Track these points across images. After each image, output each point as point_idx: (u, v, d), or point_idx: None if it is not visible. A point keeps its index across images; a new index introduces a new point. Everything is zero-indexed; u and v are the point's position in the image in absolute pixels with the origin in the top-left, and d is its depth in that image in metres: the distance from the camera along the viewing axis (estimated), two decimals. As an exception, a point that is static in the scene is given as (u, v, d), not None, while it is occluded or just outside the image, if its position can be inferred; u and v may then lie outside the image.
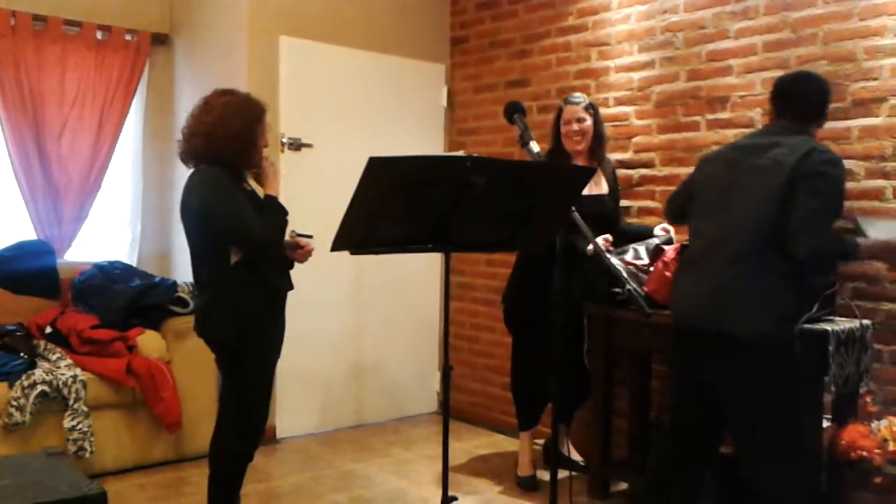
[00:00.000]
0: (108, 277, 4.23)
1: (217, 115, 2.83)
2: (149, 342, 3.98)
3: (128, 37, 4.71)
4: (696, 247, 2.75)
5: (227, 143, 2.81)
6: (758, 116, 3.61)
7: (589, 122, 3.72)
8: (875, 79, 3.25)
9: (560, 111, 3.78)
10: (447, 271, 2.91)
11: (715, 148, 3.41)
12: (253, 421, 2.98)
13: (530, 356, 3.81)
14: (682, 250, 3.10)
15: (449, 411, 2.57)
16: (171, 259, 4.97)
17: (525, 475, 3.86)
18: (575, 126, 3.70)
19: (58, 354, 3.81)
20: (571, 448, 3.91)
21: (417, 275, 4.79)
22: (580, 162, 3.70)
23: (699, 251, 2.72)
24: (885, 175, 3.22)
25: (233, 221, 2.75)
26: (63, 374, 3.64)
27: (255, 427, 3.00)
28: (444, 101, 5.14)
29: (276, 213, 2.88)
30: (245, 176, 2.94)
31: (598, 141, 3.77)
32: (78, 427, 3.62)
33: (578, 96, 3.80)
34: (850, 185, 3.27)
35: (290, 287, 3.03)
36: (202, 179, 2.82)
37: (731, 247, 2.60)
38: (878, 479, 2.92)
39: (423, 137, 4.95)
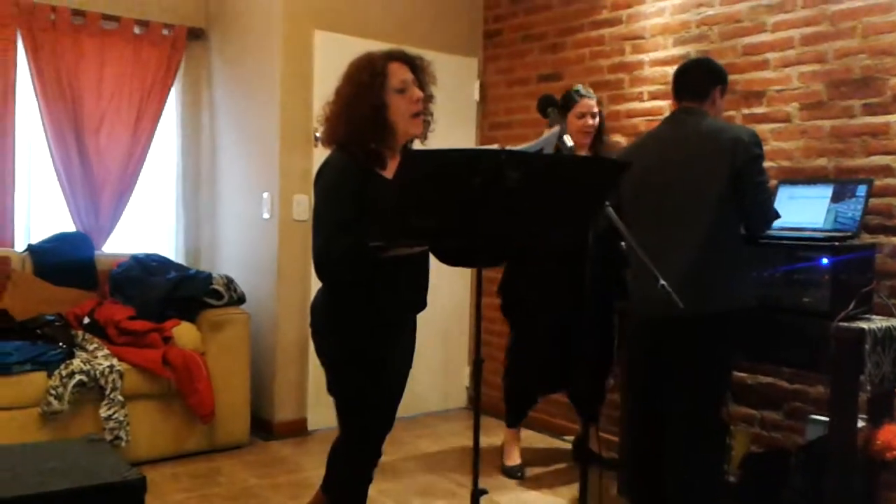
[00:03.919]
0: (145, 269, 4.30)
1: (336, 88, 2.47)
2: (184, 334, 4.04)
3: (164, 31, 4.77)
4: (649, 245, 2.63)
5: (340, 121, 2.42)
6: (794, 111, 3.56)
7: (597, 116, 3.76)
8: (916, 73, 3.19)
9: (570, 103, 3.73)
10: (478, 265, 2.91)
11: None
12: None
13: (524, 352, 3.87)
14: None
15: (480, 405, 2.57)
16: (206, 252, 5.03)
17: (512, 465, 3.93)
18: (590, 120, 3.72)
19: (95, 345, 3.88)
20: (600, 445, 3.91)
21: (447, 268, 4.80)
22: (582, 154, 3.69)
23: (654, 249, 2.64)
24: (925, 171, 3.17)
25: (314, 233, 2.42)
26: (100, 364, 3.70)
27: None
28: (476, 95, 5.13)
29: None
30: (386, 158, 2.45)
31: (600, 135, 3.80)
32: (114, 416, 3.68)
33: (589, 90, 3.82)
34: (888, 181, 3.25)
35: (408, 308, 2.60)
36: (319, 171, 2.48)
37: (688, 238, 2.78)
38: (914, 481, 2.89)
39: (455, 131, 4.94)
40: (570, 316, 3.60)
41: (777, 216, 2.90)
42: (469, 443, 2.41)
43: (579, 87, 3.84)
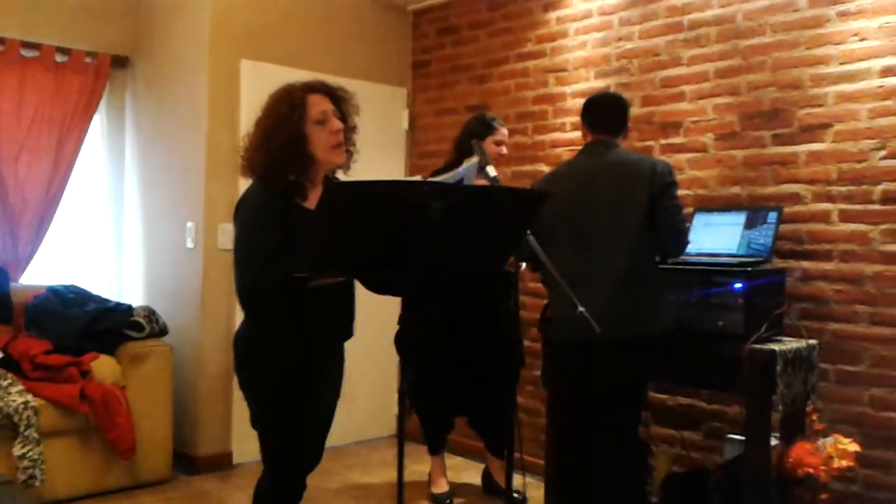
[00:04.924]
0: (62, 302, 4.17)
1: (256, 120, 2.47)
2: (103, 367, 3.93)
3: (87, 59, 4.68)
4: (570, 272, 2.68)
5: (259, 153, 2.40)
6: (710, 141, 3.69)
7: None
8: (821, 105, 3.35)
9: (489, 130, 3.77)
10: (403, 294, 2.91)
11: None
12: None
13: (427, 381, 3.85)
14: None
15: (404, 434, 2.56)
16: (129, 282, 4.91)
17: (439, 492, 3.95)
18: (504, 149, 3.82)
19: (9, 380, 3.73)
20: (502, 477, 3.90)
21: (375, 297, 4.79)
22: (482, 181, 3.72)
23: (576, 276, 2.72)
24: (831, 198, 3.31)
25: (237, 266, 2.38)
26: (14, 401, 3.57)
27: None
28: (405, 124, 5.17)
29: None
30: (307, 189, 2.42)
31: None
32: (28, 455, 3.55)
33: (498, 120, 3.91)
34: (797, 208, 3.39)
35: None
36: (238, 203, 2.45)
37: (609, 265, 2.87)
38: (824, 496, 2.97)
39: (385, 160, 4.97)
40: (471, 343, 3.64)
41: (688, 242, 3.00)
42: (401, 470, 2.40)
43: (492, 116, 3.92)
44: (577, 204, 2.96)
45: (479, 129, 3.78)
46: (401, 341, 3.88)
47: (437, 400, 3.89)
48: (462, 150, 3.73)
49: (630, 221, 2.89)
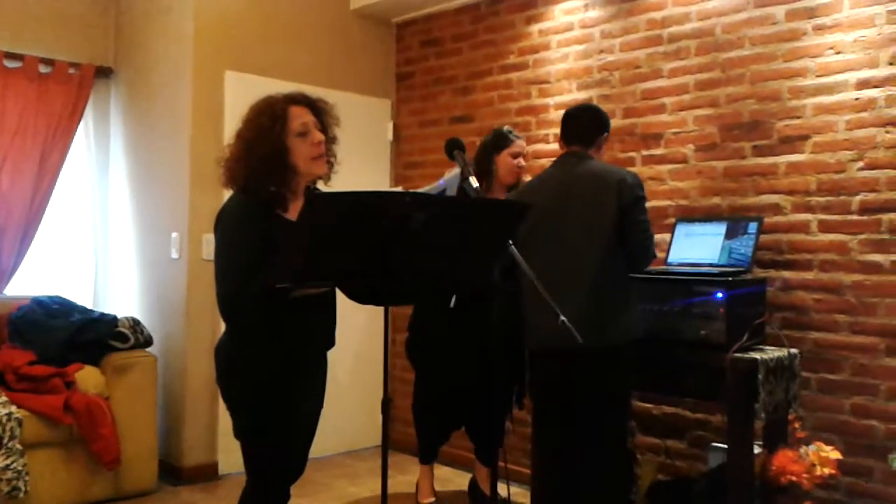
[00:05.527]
0: (46, 312, 4.16)
1: (237, 131, 2.48)
2: (88, 378, 3.92)
3: (71, 70, 4.68)
4: (544, 279, 2.67)
5: (240, 164, 2.41)
6: (690, 152, 3.74)
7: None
8: (799, 117, 3.40)
9: (505, 142, 3.74)
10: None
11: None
12: None
13: (433, 389, 3.87)
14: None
15: (388, 444, 2.57)
16: (114, 293, 4.90)
17: (425, 502, 3.95)
18: (522, 161, 3.76)
19: (-8, 392, 3.73)
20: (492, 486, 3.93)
21: (360, 307, 4.81)
22: (500, 193, 3.75)
23: (549, 285, 2.69)
24: (810, 209, 3.36)
25: (219, 276, 2.37)
26: (-3, 412, 3.56)
27: None
28: (390, 136, 5.20)
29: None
30: (288, 200, 2.44)
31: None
32: (12, 466, 3.53)
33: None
34: (777, 218, 3.43)
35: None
36: (219, 214, 2.46)
37: (581, 275, 2.91)
38: (808, 503, 3.01)
39: (369, 171, 5.00)
40: (477, 354, 3.65)
41: (654, 256, 3.06)
42: (385, 481, 2.42)
43: (509, 128, 3.87)
44: (548, 214, 2.99)
45: (496, 141, 3.76)
46: (412, 349, 3.91)
47: (442, 409, 3.87)
48: (480, 163, 3.75)
49: (601, 233, 2.93)
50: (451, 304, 2.71)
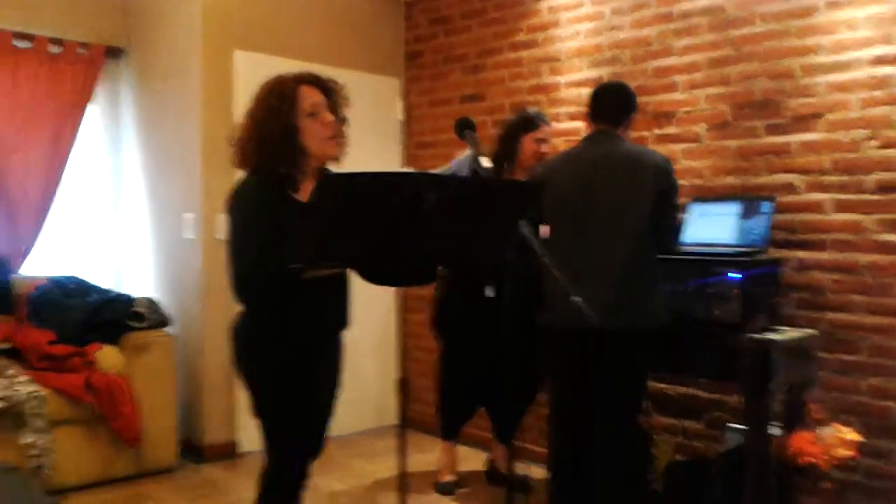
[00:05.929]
0: (63, 292, 4.21)
1: (247, 111, 2.47)
2: (107, 357, 3.97)
3: (81, 50, 4.68)
4: (571, 263, 2.78)
5: (251, 145, 2.41)
6: (703, 131, 3.74)
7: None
8: (812, 95, 3.39)
9: (531, 125, 3.73)
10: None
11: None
12: None
13: (460, 365, 3.87)
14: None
15: (406, 423, 2.60)
16: (130, 273, 4.94)
17: (444, 481, 3.97)
18: (544, 147, 3.74)
19: (13, 370, 3.78)
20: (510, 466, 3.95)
21: (376, 287, 4.84)
22: (521, 175, 3.74)
23: (578, 267, 2.82)
24: (824, 188, 3.35)
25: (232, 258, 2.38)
26: (20, 390, 3.61)
27: None
28: (400, 115, 5.20)
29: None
30: (299, 181, 2.43)
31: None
32: (37, 443, 3.60)
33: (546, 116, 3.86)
34: (791, 198, 3.43)
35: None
36: (231, 195, 2.45)
37: (612, 256, 2.91)
38: (827, 485, 3.01)
39: (380, 151, 5.00)
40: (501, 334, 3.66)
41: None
42: (403, 460, 2.45)
43: (538, 111, 3.86)
44: (577, 192, 2.98)
45: (523, 123, 3.74)
46: (439, 322, 3.91)
47: (470, 385, 3.88)
48: (504, 144, 3.74)
49: (632, 212, 2.92)
50: (488, 293, 2.72)
